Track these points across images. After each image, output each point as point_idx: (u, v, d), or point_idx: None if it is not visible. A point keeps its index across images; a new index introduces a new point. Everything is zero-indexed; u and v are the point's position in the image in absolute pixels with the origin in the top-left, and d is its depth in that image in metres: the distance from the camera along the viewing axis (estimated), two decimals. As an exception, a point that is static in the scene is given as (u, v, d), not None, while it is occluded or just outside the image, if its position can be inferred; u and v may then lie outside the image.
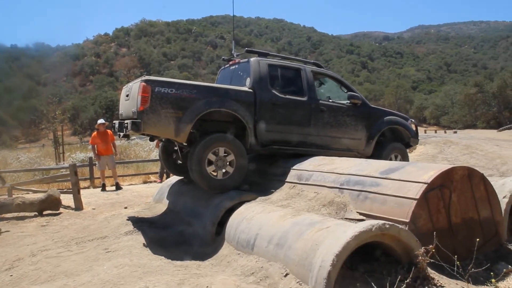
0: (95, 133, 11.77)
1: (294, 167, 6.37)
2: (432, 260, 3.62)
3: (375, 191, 4.68)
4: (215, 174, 6.13)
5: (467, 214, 4.45)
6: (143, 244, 5.53)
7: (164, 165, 8.28)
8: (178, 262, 4.86)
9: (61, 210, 8.49)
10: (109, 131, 11.58)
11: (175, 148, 7.33)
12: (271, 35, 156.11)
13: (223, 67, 7.92)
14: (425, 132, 38.05)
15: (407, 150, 8.37)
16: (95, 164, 12.48)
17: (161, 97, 5.68)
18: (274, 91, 6.64)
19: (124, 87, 6.81)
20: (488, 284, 3.80)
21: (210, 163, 6.05)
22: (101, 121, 11.92)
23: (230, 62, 7.55)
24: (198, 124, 6.14)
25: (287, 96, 6.76)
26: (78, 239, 6.08)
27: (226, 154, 6.16)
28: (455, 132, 36.50)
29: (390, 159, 7.72)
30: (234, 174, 6.21)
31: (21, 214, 8.39)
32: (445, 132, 39.38)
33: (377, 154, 7.63)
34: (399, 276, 3.51)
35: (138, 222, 6.75)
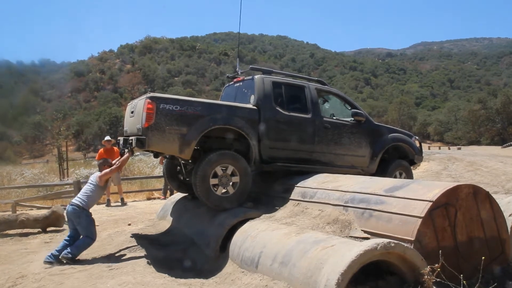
0: (101, 149, 11.93)
1: (298, 185, 6.36)
2: (438, 279, 3.59)
3: (380, 209, 4.65)
4: (219, 191, 6.12)
5: (473, 232, 4.42)
6: (147, 261, 5.51)
7: (168, 182, 8.27)
8: (182, 280, 4.82)
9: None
10: (115, 148, 11.66)
11: (179, 165, 7.34)
12: (275, 52, 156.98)
13: (227, 84, 7.97)
14: (429, 149, 37.96)
15: (411, 167, 8.35)
16: None
17: (166, 114, 5.71)
18: (278, 108, 6.67)
19: (129, 103, 6.85)
20: (495, 304, 3.76)
21: (214, 180, 6.04)
22: (107, 138, 12.08)
23: (235, 80, 7.60)
24: (203, 141, 6.15)
25: (291, 113, 6.78)
26: (81, 256, 6.05)
27: (230, 171, 6.16)
28: (459, 149, 36.47)
29: (395, 177, 7.70)
30: (238, 191, 6.20)
31: (25, 230, 8.39)
32: (449, 149, 39.33)
33: (381, 171, 7.62)
34: (405, 295, 3.48)
35: (142, 239, 6.73)
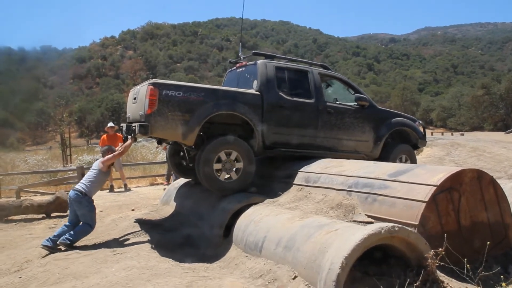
0: (104, 136, 11.98)
1: (301, 170, 6.35)
2: (441, 263, 3.60)
3: (383, 193, 4.65)
4: (222, 176, 6.13)
5: (476, 217, 4.42)
6: (151, 246, 5.54)
7: (171, 168, 8.28)
8: (186, 265, 4.85)
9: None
10: (118, 134, 11.68)
11: (183, 150, 7.34)
12: (277, 37, 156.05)
13: (230, 70, 7.92)
14: (432, 134, 37.89)
15: (415, 152, 8.33)
16: None
17: (169, 100, 5.68)
18: (281, 93, 6.63)
19: (131, 90, 6.82)
20: (498, 288, 3.77)
21: (217, 165, 6.04)
22: (110, 124, 12.12)
23: (237, 65, 7.55)
24: (206, 127, 6.12)
25: (294, 99, 6.75)
26: (86, 241, 6.10)
27: (234, 157, 6.15)
28: (462, 134, 36.37)
29: (399, 161, 7.68)
30: (241, 176, 6.19)
31: (29, 216, 8.44)
32: (452, 134, 39.25)
33: (385, 156, 7.60)
34: (408, 279, 3.49)
35: (146, 225, 6.76)
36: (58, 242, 5.72)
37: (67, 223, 6.09)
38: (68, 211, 6.23)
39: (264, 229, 4.76)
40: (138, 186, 13.52)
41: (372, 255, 3.85)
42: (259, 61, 6.82)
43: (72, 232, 5.86)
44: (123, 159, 12.72)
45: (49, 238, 5.80)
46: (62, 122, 23.87)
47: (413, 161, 7.97)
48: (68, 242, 5.74)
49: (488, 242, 3.86)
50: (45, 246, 5.69)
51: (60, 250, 5.67)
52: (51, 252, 5.62)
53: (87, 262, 5.03)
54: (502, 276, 3.76)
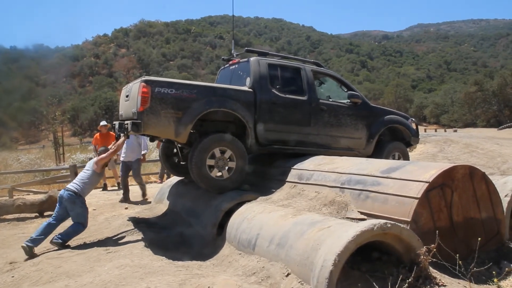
0: (97, 134, 11.89)
1: (294, 167, 6.36)
2: (434, 260, 3.62)
3: (376, 190, 4.67)
4: (215, 174, 6.11)
5: (469, 213, 4.45)
6: (144, 244, 5.52)
7: (164, 166, 8.26)
8: (180, 263, 4.84)
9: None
10: (111, 132, 11.62)
11: (176, 148, 7.32)
12: (270, 35, 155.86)
13: (222, 67, 7.90)
14: (425, 131, 37.96)
15: (408, 149, 8.36)
16: None
17: (161, 98, 5.66)
18: (274, 91, 6.62)
19: (124, 87, 6.78)
20: (490, 283, 3.79)
21: (210, 163, 6.03)
22: (103, 123, 12.03)
23: (230, 62, 7.53)
24: (199, 124, 6.12)
25: (287, 96, 6.74)
26: (79, 239, 6.07)
27: (226, 154, 6.15)
28: (455, 131, 36.52)
29: (391, 158, 7.71)
30: (234, 174, 6.19)
31: (22, 215, 8.40)
32: (445, 131, 39.38)
33: (378, 153, 7.62)
34: (401, 276, 3.50)
35: (139, 223, 6.74)
36: (50, 242, 5.69)
37: (52, 221, 5.99)
38: (56, 208, 6.15)
39: (257, 226, 4.76)
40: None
41: (365, 252, 3.85)
42: (252, 59, 6.80)
43: (64, 232, 5.83)
44: (116, 158, 12.63)
45: (32, 237, 5.71)
46: (55, 121, 23.75)
47: (406, 158, 8.00)
48: (61, 241, 5.71)
49: (480, 238, 3.88)
50: (27, 247, 5.57)
51: (36, 255, 5.53)
52: (28, 251, 5.50)
53: (80, 261, 5.01)
54: (494, 272, 3.79)
